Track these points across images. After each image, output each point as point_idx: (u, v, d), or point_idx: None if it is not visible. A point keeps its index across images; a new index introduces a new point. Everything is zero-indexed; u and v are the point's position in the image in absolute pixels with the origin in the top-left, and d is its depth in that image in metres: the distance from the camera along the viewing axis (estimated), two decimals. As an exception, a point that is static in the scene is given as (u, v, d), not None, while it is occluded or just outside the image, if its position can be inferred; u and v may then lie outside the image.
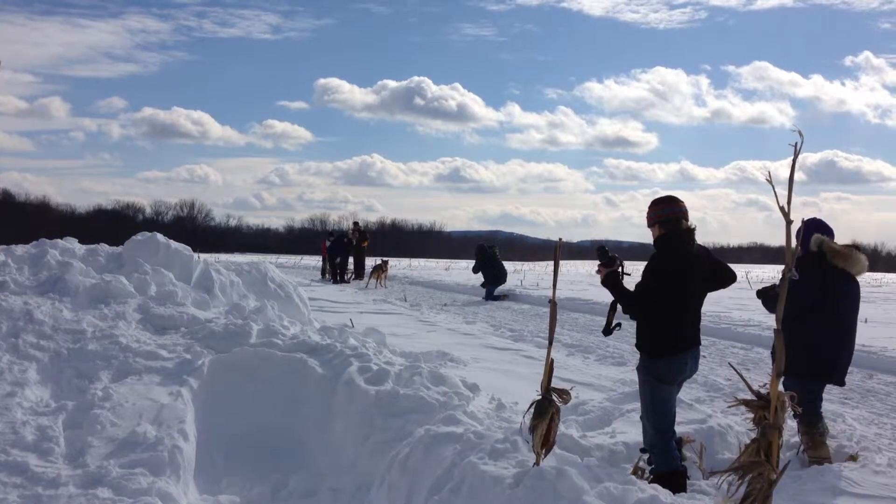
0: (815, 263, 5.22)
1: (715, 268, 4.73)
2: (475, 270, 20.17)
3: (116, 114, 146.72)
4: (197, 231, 70.37)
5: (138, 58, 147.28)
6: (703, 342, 4.93)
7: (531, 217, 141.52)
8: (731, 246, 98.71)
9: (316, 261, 34.48)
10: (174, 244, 8.92)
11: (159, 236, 8.93)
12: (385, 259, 24.80)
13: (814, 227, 5.38)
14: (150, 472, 4.46)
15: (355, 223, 27.21)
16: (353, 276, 25.03)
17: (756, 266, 58.22)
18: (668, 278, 4.44)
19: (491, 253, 19.77)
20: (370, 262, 25.45)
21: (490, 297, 18.86)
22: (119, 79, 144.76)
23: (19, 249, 8.30)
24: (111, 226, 58.22)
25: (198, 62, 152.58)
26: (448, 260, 52.85)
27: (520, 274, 27.99)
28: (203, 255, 12.15)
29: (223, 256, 38.09)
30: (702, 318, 4.76)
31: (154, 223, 69.15)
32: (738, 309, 14.86)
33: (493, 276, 19.38)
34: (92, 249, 8.74)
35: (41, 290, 7.36)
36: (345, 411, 5.76)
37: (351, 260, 25.42)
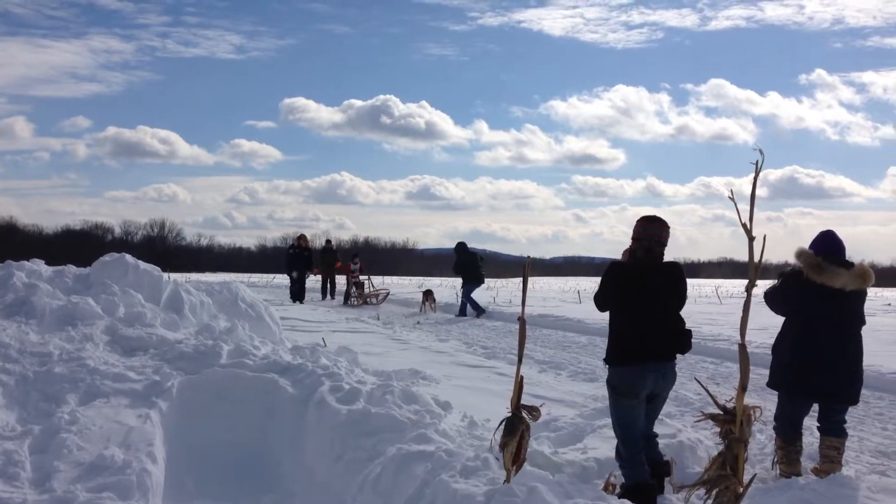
0: (794, 277, 5.18)
1: (679, 290, 4.78)
2: (455, 268, 20.10)
3: (81, 133, 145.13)
4: (168, 251, 69.71)
5: (102, 77, 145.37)
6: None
7: (502, 234, 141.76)
8: (702, 261, 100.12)
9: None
10: (143, 265, 8.85)
11: (128, 257, 8.86)
12: (371, 278, 24.72)
13: (816, 241, 5.25)
14: (117, 497, 4.39)
15: (328, 241, 27.10)
16: (330, 296, 24.86)
17: (727, 280, 59.01)
18: (604, 287, 4.71)
19: (472, 252, 19.87)
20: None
21: (468, 299, 18.85)
22: (83, 98, 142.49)
23: (-16, 271, 8.18)
24: (79, 246, 57.48)
25: (163, 82, 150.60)
26: (422, 277, 52.89)
27: (493, 291, 28.06)
28: (174, 276, 12.05)
29: (194, 276, 37.79)
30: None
31: (123, 243, 68.49)
32: (707, 324, 15.03)
33: (474, 276, 19.35)
34: (59, 271, 8.64)
35: (7, 312, 7.26)
36: (316, 431, 5.73)
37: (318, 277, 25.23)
